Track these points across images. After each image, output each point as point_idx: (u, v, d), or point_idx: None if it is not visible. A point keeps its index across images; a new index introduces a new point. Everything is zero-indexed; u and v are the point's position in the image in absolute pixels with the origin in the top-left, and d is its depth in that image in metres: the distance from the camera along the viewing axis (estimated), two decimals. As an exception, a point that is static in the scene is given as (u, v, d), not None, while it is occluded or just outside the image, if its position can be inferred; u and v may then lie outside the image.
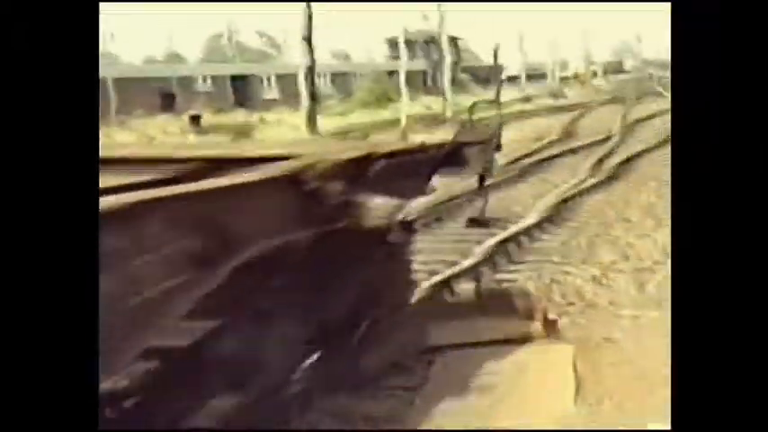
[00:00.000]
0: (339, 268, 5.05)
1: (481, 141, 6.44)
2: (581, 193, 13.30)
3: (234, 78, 49.74)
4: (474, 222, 8.76)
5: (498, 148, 6.77)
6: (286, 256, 4.42)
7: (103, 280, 2.79)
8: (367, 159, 5.03)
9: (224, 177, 4.29)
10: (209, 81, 48.61)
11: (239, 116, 35.65)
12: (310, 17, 23.10)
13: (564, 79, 67.16)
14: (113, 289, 3.15)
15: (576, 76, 74.13)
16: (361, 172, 4.91)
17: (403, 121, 28.81)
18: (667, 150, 19.48)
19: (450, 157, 6.08)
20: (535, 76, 69.78)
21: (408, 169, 5.51)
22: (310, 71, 23.58)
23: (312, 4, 23.46)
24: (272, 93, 52.00)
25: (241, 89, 49.60)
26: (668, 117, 27.86)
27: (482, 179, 6.77)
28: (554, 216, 11.51)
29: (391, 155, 5.27)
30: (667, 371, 5.34)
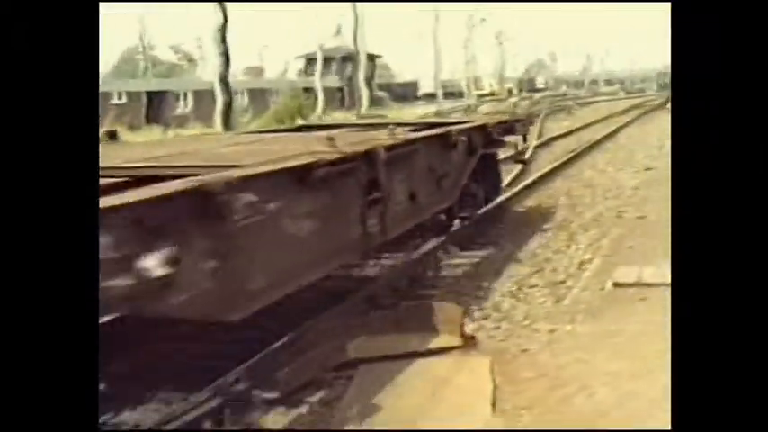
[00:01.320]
0: (488, 163, 11.46)
1: (523, 119, 13.23)
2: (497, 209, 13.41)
3: (148, 93, 49.15)
4: (520, 161, 14.99)
5: (532, 123, 15.24)
6: (480, 162, 10.62)
7: None
8: (499, 123, 11.50)
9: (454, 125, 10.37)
10: (124, 96, 47.95)
11: (154, 132, 35.19)
12: (224, 34, 22.98)
13: (481, 97, 67.92)
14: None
15: (491, 94, 75.05)
16: (501, 127, 11.40)
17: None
18: (578, 165, 19.81)
19: (511, 126, 11.91)
20: (453, 93, 70.56)
21: (506, 128, 11.69)
22: (226, 87, 23.40)
23: (229, 19, 23.37)
24: (186, 108, 51.57)
25: (155, 104, 49.08)
26: (579, 134, 28.28)
27: (524, 138, 13.06)
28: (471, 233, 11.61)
29: (504, 122, 11.82)
30: (584, 382, 5.46)
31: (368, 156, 6.84)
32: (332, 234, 6.38)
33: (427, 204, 8.72)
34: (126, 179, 5.30)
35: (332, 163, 6.17)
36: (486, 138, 10.79)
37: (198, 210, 4.75)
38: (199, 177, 4.94)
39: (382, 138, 7.77)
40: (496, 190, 12.28)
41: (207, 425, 5.19)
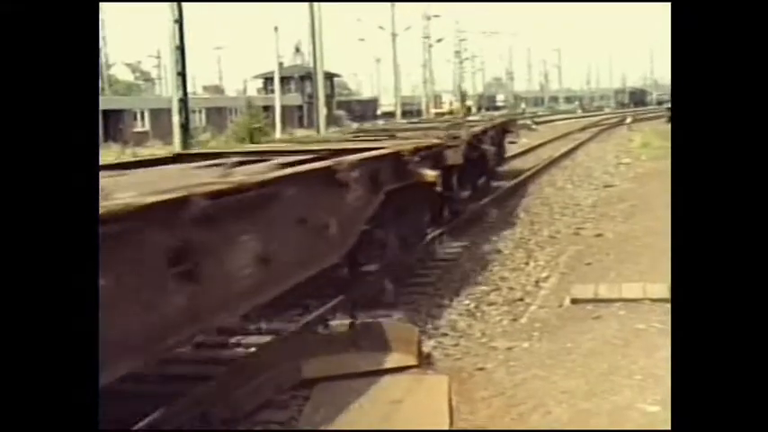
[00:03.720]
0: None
1: (515, 119, 28.75)
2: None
3: (105, 112, 48.77)
4: (511, 142, 22.10)
5: (516, 122, 25.85)
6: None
7: None
8: (507, 120, 23.45)
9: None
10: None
11: (112, 150, 34.95)
12: (183, 51, 22.87)
13: (440, 115, 68.19)
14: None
15: (450, 112, 75.32)
16: (510, 123, 22.71)
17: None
18: (537, 183, 19.94)
19: (510, 122, 23.44)
20: (411, 112, 70.63)
21: (509, 123, 22.91)
22: (184, 105, 23.27)
23: (187, 38, 23.27)
24: (143, 127, 51.32)
25: (113, 123, 48.75)
26: (538, 152, 28.46)
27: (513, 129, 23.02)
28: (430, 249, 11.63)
29: (509, 120, 24.64)
30: (539, 400, 5.48)
31: (486, 131, 15.86)
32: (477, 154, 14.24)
33: (498, 152, 17.94)
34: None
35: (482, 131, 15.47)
36: (505, 126, 20.62)
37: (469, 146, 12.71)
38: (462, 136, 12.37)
39: (482, 124, 17.28)
40: (503, 154, 20.44)
41: None
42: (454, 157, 11.23)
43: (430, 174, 9.01)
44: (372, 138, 12.25)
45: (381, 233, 8.80)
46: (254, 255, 5.32)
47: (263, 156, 8.07)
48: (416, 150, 9.05)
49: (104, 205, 4.04)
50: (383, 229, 8.80)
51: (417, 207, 10.09)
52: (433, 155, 9.92)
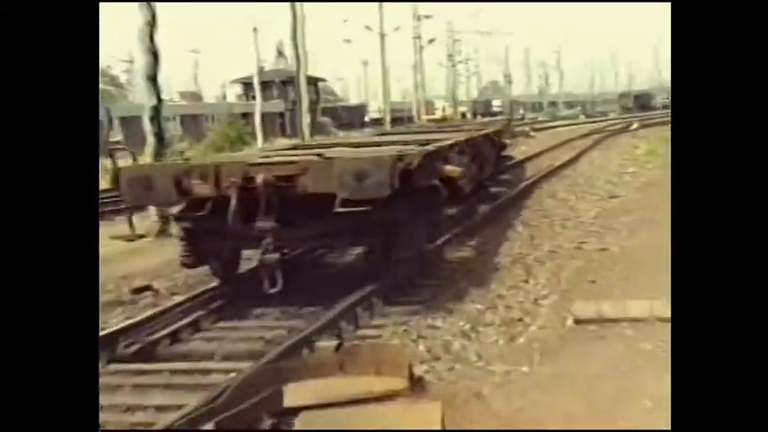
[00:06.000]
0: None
1: (516, 119, 53.31)
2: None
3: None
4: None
5: (511, 122, 33.73)
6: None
7: None
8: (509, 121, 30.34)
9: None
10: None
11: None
12: (156, 54, 22.87)
13: (432, 122, 68.36)
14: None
15: (444, 119, 75.57)
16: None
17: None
18: (535, 194, 19.96)
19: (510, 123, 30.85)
20: (402, 119, 70.71)
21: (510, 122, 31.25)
22: (156, 112, 23.24)
23: (160, 40, 23.26)
24: (115, 136, 51.28)
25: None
26: (537, 161, 28.50)
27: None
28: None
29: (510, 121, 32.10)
30: (538, 425, 5.46)
31: (508, 125, 25.44)
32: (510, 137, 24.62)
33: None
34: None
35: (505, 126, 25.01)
36: (510, 125, 26.09)
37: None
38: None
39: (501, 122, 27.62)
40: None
41: None
42: (507, 135, 21.94)
43: (509, 141, 21.81)
44: (455, 128, 21.81)
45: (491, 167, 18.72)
46: (478, 161, 15.45)
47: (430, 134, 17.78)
48: (499, 130, 20.68)
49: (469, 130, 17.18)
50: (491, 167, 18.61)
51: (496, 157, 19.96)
52: (501, 134, 20.61)
